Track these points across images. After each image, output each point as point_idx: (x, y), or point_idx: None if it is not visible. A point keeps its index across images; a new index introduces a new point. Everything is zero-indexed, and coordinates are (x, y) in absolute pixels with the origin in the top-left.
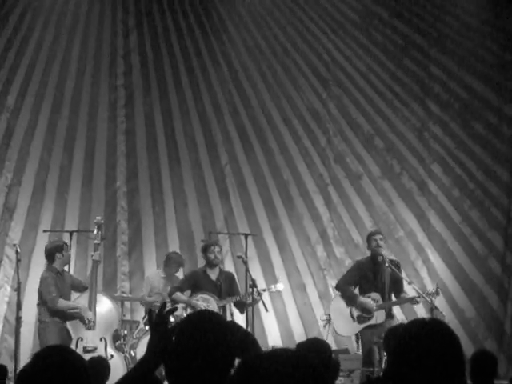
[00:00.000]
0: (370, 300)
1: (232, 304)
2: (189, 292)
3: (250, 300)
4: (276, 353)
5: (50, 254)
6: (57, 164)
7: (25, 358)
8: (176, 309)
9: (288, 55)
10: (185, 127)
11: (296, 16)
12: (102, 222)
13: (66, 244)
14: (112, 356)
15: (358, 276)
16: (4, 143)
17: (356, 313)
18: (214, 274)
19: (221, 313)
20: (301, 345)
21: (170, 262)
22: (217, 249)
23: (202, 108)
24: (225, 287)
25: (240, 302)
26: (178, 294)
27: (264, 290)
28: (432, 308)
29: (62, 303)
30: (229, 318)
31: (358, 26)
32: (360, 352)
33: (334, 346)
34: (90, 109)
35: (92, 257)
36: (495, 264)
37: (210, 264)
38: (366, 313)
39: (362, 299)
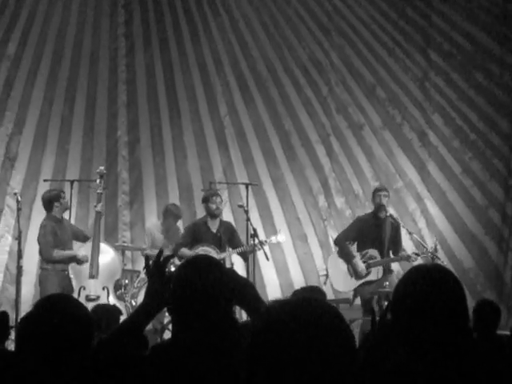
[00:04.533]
0: (364, 266)
1: (234, 254)
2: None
3: (250, 248)
4: (299, 300)
5: (48, 203)
6: (58, 113)
7: (26, 307)
8: (173, 256)
9: (289, 4)
10: (185, 78)
11: None
12: (105, 172)
13: (62, 192)
14: (114, 305)
15: (357, 232)
16: (4, 93)
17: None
18: (214, 226)
19: None
20: (297, 293)
21: (167, 214)
22: (218, 199)
23: (202, 58)
24: (225, 238)
25: (243, 252)
26: (183, 250)
27: (265, 242)
28: (433, 258)
29: (57, 253)
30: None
31: None
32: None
33: (332, 297)
34: (90, 58)
35: (95, 208)
36: (495, 215)
37: (211, 215)
38: (356, 275)
39: (356, 261)
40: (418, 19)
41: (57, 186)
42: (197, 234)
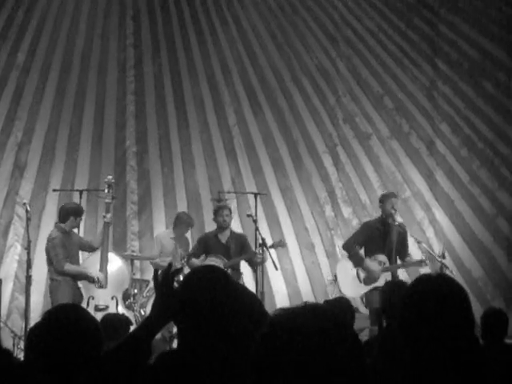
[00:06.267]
0: (377, 265)
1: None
2: (203, 256)
3: (259, 259)
4: (309, 308)
5: (65, 215)
6: (66, 123)
7: (35, 317)
8: (182, 269)
9: (297, 14)
10: (193, 88)
11: None
12: (113, 181)
13: (83, 211)
14: (124, 315)
15: (365, 237)
16: (14, 102)
17: (363, 274)
18: (224, 237)
19: (230, 273)
20: (328, 303)
21: (179, 223)
22: (226, 212)
23: (210, 68)
24: (234, 248)
25: (249, 260)
26: (193, 261)
27: (271, 246)
28: (442, 267)
29: (68, 267)
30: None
31: None
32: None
33: None
34: (99, 68)
35: (104, 218)
36: (504, 223)
37: (220, 227)
38: (371, 276)
39: (369, 263)
40: (426, 28)
41: (66, 196)
42: (207, 246)
